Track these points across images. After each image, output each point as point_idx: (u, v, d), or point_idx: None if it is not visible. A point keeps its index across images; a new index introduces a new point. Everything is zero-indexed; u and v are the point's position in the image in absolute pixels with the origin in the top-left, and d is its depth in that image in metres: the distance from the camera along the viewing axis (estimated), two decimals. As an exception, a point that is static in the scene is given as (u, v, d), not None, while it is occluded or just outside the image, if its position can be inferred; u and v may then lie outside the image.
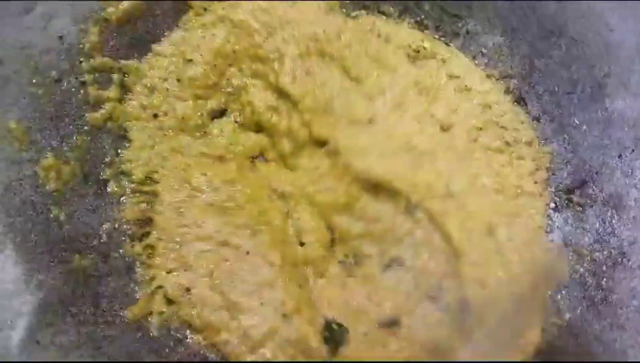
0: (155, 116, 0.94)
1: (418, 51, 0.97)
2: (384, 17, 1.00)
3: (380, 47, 0.97)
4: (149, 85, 0.95)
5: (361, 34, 0.97)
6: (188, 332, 0.85)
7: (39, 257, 0.83)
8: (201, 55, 0.96)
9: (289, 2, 0.99)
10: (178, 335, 0.85)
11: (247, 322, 0.83)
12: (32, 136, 0.87)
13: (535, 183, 0.91)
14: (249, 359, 0.82)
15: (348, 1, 1.00)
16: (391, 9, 1.00)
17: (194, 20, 0.99)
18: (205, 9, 1.00)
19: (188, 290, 0.85)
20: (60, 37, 0.90)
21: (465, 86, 0.95)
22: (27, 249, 0.83)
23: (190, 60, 0.95)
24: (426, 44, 0.97)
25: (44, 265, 0.83)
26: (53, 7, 0.89)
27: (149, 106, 0.94)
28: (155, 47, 0.97)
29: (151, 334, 0.84)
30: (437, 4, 0.99)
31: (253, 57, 0.97)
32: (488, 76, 0.96)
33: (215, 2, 0.99)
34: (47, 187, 0.86)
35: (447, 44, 0.98)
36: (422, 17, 1.00)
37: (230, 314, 0.84)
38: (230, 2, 0.99)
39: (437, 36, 0.99)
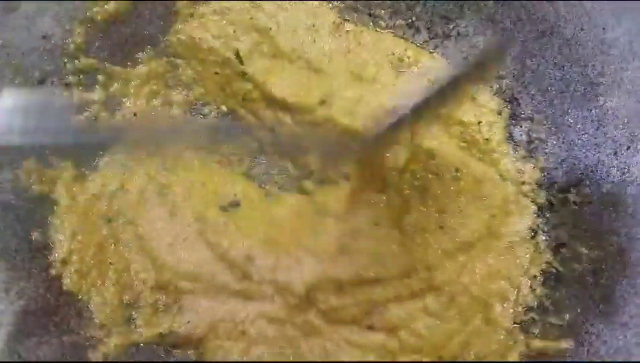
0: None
1: (402, 60, 0.96)
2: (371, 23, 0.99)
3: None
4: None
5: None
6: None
7: (20, 264, 0.80)
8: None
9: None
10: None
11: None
12: (13, 139, 0.84)
13: (524, 183, 0.90)
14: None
15: (338, 1, 0.99)
16: (382, 11, 0.99)
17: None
18: (191, 15, 0.98)
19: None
20: (45, 37, 0.88)
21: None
22: (8, 256, 0.80)
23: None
24: (409, 53, 0.97)
25: (25, 273, 0.80)
26: (38, 6, 0.87)
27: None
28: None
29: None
30: (428, 6, 0.99)
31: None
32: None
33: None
34: (30, 191, 0.83)
35: (430, 52, 0.98)
36: (414, 19, 0.99)
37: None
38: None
39: (427, 38, 0.99)
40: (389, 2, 0.98)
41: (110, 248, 0.84)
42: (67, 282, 0.81)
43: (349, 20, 0.97)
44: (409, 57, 0.96)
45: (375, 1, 0.98)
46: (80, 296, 0.82)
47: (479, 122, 0.91)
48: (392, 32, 0.98)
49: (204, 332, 0.82)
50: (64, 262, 0.82)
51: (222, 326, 0.82)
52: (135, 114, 0.90)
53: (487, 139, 0.91)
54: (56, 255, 0.82)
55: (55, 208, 0.84)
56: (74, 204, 0.85)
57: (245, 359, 0.81)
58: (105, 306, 0.82)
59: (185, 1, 0.96)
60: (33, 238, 0.81)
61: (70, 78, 0.89)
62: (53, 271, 0.81)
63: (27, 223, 0.82)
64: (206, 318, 0.82)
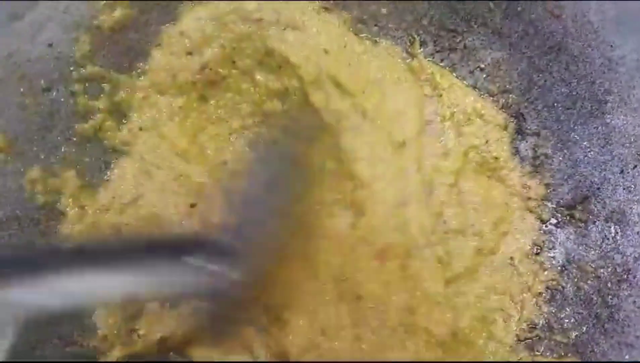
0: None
1: None
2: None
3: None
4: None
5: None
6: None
7: (24, 275, 0.79)
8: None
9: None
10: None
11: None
12: (18, 147, 0.83)
13: (529, 198, 0.90)
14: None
15: (346, 13, 0.99)
16: (389, 24, 0.99)
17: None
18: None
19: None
20: (50, 46, 0.87)
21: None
22: (12, 266, 0.79)
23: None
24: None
25: (29, 283, 0.79)
26: (43, 14, 0.86)
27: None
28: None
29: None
30: (435, 20, 0.99)
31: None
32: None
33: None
34: (34, 201, 0.82)
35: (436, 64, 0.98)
36: (420, 32, 0.99)
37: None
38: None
39: (433, 51, 0.98)
40: (396, 14, 0.98)
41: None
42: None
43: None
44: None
45: (383, 14, 0.98)
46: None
47: (487, 141, 0.91)
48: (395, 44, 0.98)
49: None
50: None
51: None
52: (140, 129, 0.90)
53: (495, 158, 0.91)
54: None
55: (61, 218, 0.83)
56: (82, 214, 0.84)
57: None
58: (108, 318, 0.82)
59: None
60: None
61: (76, 86, 0.88)
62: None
63: (32, 234, 0.81)
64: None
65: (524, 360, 0.81)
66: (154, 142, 0.88)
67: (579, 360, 0.80)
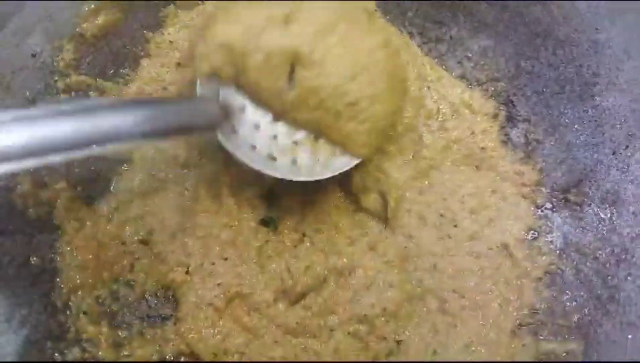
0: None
1: None
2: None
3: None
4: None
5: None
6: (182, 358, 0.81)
7: (20, 291, 0.78)
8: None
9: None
10: None
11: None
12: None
13: (523, 185, 0.90)
14: None
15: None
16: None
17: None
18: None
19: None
20: (34, 55, 0.85)
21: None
22: (7, 283, 0.77)
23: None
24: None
25: (27, 300, 0.77)
26: (26, 23, 0.84)
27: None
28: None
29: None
30: (420, 12, 0.99)
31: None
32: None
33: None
34: (26, 216, 0.81)
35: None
36: (406, 24, 0.99)
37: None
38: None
39: (420, 43, 0.98)
40: (381, 7, 0.98)
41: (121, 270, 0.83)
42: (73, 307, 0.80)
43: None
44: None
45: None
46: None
47: (472, 133, 0.91)
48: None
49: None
50: (70, 289, 0.80)
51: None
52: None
53: (482, 148, 0.91)
54: (60, 283, 0.80)
55: (59, 232, 0.82)
56: (78, 227, 0.83)
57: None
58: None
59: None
60: (33, 263, 0.79)
61: (62, 96, 0.87)
62: (57, 301, 0.79)
63: (26, 249, 0.80)
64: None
65: (527, 345, 0.81)
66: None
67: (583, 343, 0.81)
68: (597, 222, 0.86)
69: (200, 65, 0.76)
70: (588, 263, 0.85)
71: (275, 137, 0.77)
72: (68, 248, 0.82)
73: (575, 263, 0.85)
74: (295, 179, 0.79)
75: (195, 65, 0.78)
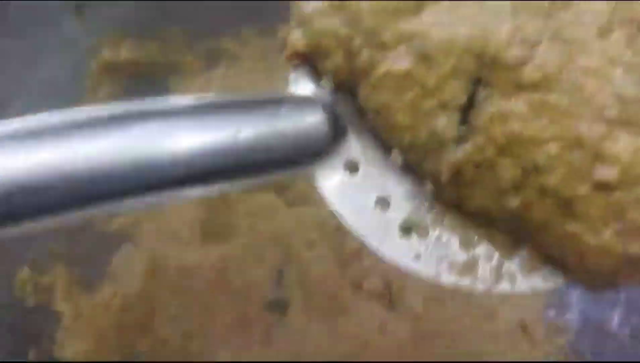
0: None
1: None
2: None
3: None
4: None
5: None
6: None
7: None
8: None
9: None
10: None
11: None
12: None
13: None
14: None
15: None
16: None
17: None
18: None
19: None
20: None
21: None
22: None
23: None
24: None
25: None
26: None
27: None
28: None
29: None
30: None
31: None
32: None
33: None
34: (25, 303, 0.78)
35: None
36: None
37: None
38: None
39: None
40: None
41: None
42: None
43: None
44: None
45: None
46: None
47: None
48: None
49: None
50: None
51: None
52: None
53: None
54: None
55: (60, 320, 0.79)
56: (78, 314, 0.80)
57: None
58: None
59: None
60: (31, 356, 0.76)
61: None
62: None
63: (25, 340, 0.76)
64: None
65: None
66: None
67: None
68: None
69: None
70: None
71: None
72: (67, 337, 0.79)
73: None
74: None
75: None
